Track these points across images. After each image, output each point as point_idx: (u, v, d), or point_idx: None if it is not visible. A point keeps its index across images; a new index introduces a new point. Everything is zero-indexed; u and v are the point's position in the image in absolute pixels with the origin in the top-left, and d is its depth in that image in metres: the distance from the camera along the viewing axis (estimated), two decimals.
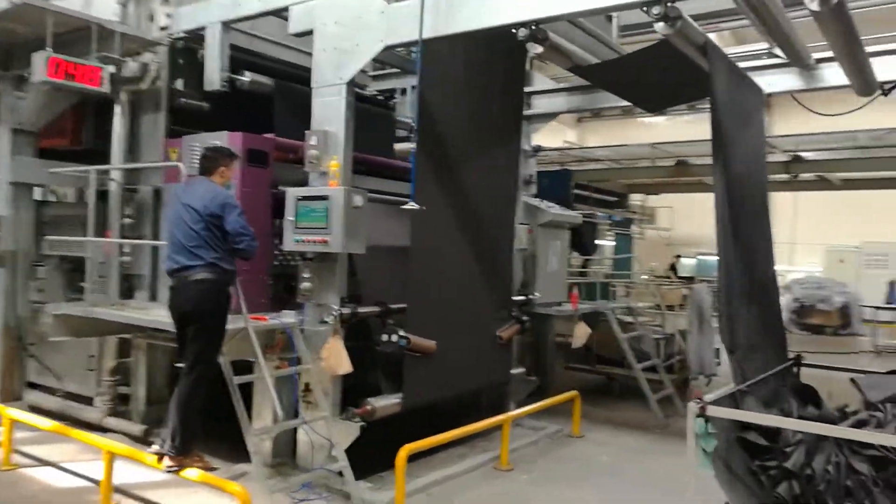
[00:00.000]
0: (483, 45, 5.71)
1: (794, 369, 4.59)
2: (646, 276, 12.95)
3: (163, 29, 6.02)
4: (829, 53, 5.12)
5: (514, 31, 4.46)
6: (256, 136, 5.46)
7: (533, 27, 4.41)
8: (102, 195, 5.91)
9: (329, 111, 5.08)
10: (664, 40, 4.16)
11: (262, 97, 6.18)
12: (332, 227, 4.74)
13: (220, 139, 5.39)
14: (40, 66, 4.85)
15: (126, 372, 6.06)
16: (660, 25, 3.89)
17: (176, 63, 6.11)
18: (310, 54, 6.97)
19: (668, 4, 3.81)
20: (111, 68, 5.29)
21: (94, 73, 5.09)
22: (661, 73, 5.31)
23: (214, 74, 5.70)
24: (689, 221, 17.05)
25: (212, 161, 4.36)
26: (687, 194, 14.84)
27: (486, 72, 5.97)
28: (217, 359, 4.20)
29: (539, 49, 4.58)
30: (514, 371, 6.56)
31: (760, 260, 4.60)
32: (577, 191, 11.49)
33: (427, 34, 4.56)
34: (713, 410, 3.24)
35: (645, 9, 3.91)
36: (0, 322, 5.96)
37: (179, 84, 6.15)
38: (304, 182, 5.89)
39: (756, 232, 4.59)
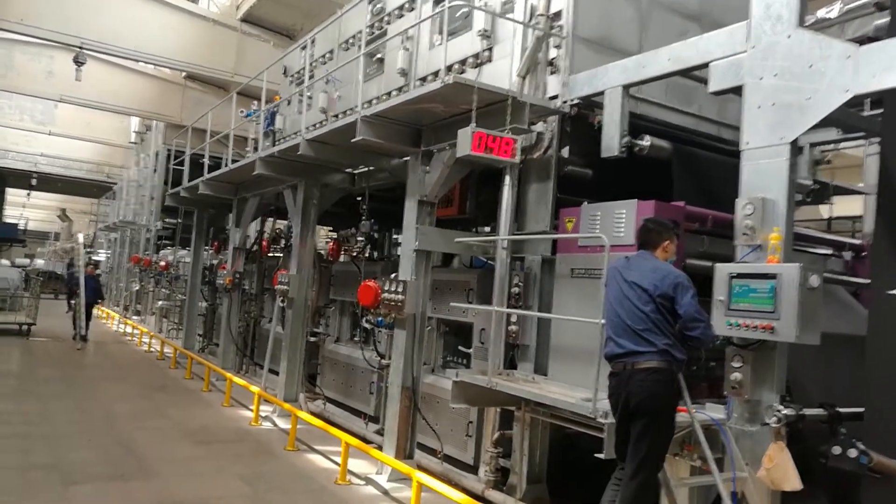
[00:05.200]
0: None
1: None
2: None
3: (552, 98, 6.00)
4: None
5: None
6: (666, 204, 5.02)
7: None
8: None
9: (765, 176, 4.38)
10: None
11: (647, 163, 5.78)
12: (780, 312, 3.97)
13: (628, 208, 5.07)
14: (466, 140, 5.02)
15: (506, 444, 5.93)
16: None
17: (563, 131, 6.05)
18: (693, 115, 6.63)
19: None
20: (521, 139, 5.31)
21: (509, 145, 5.15)
22: None
23: (613, 140, 5.42)
24: None
25: (656, 234, 3.97)
26: None
27: None
28: (664, 461, 3.68)
29: None
30: None
31: None
32: None
33: None
34: None
35: None
36: (399, 381, 6.28)
37: (565, 152, 6.08)
38: (706, 255, 5.32)
39: None
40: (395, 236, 12.40)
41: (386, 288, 6.44)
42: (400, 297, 6.26)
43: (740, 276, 4.23)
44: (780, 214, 4.30)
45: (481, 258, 9.74)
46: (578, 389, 5.02)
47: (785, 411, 4.07)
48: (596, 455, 4.18)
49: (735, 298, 4.23)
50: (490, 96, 5.39)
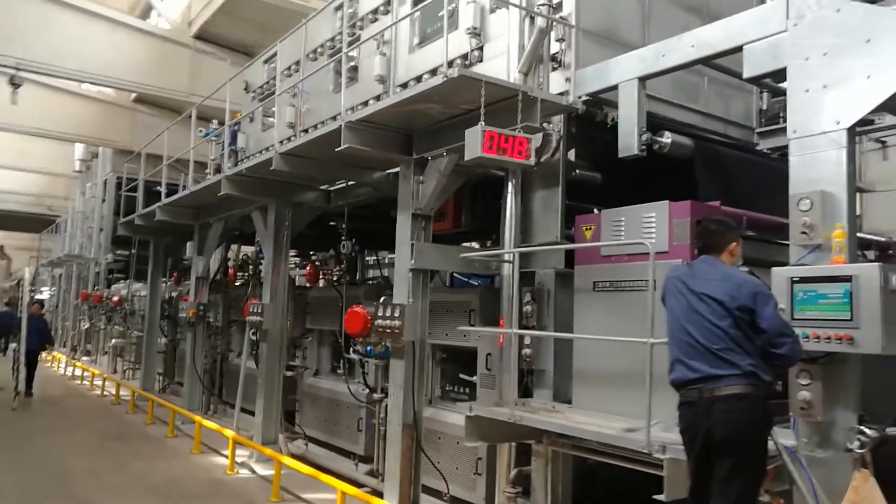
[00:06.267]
0: None
1: None
2: None
3: (560, 94, 5.48)
4: None
5: None
6: (703, 205, 4.50)
7: None
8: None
9: (820, 167, 3.90)
10: None
11: (659, 164, 5.27)
12: (861, 320, 3.47)
13: (659, 210, 4.53)
14: (476, 141, 4.42)
15: (524, 481, 5.27)
16: None
17: (568, 131, 5.54)
18: (700, 113, 6.21)
19: None
20: (535, 139, 4.75)
21: (523, 146, 4.57)
22: None
23: (631, 138, 4.89)
24: None
25: (720, 236, 3.42)
26: None
27: None
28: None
29: None
30: None
31: None
32: None
33: None
34: None
35: None
36: (399, 419, 5.57)
37: (571, 154, 5.58)
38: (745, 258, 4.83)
39: None
40: (367, 258, 11.70)
41: (379, 314, 5.75)
42: (396, 322, 5.58)
43: (804, 279, 3.71)
44: (841, 209, 3.82)
45: (462, 277, 9.06)
46: (613, 418, 4.44)
47: (870, 433, 3.55)
48: (655, 497, 3.58)
49: (799, 306, 3.70)
50: (497, 92, 4.81)
